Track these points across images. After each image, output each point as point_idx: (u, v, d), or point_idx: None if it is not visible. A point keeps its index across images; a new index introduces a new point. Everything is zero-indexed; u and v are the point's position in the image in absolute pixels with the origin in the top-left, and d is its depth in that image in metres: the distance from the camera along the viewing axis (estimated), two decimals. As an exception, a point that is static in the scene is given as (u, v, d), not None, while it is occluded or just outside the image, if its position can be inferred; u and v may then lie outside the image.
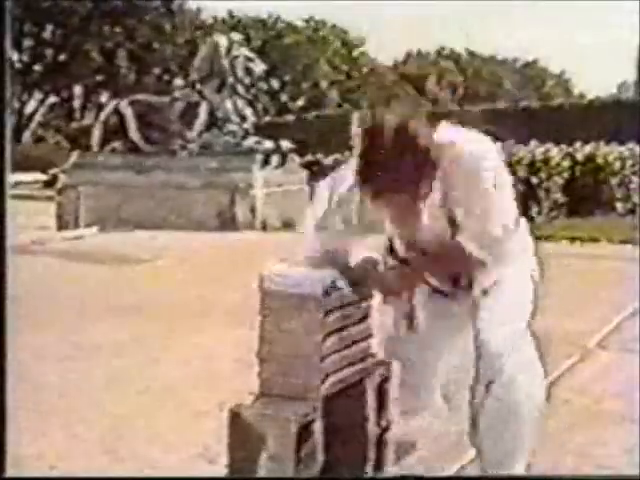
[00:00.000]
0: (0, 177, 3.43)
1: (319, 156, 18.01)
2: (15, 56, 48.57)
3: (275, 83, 53.46)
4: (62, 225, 15.64)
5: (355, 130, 3.38)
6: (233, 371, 6.01)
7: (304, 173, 16.94)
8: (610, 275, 10.00)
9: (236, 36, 18.48)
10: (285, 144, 17.00)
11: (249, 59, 17.43)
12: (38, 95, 54.31)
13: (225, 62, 16.90)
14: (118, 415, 5.17)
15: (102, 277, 10.36)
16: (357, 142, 3.29)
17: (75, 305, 8.35)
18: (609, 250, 12.26)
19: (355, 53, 68.12)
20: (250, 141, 16.68)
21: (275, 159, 16.49)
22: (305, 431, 3.54)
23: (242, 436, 3.60)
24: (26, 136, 51.03)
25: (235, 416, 3.60)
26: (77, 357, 6.48)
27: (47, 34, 54.36)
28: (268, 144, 16.71)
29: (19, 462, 4.16)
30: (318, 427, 3.55)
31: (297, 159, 17.27)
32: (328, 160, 17.76)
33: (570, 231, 13.64)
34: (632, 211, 17.13)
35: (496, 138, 3.77)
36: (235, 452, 3.63)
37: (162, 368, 6.20)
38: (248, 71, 17.20)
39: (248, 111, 17.33)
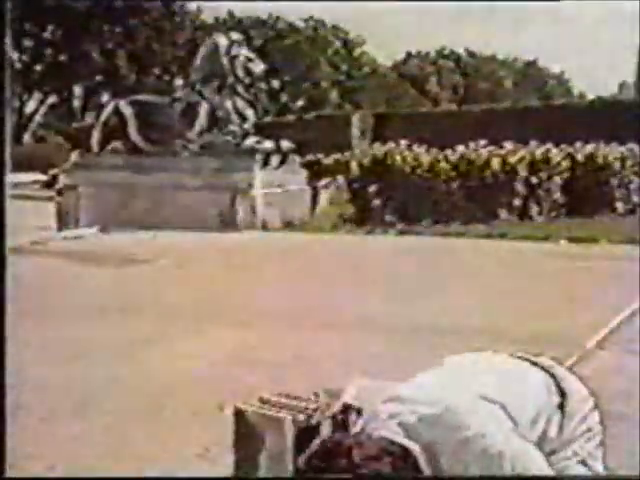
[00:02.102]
0: (0, 176, 3.42)
1: (320, 156, 18.03)
2: (15, 56, 48.61)
3: (275, 83, 53.48)
4: (62, 225, 15.64)
5: None
6: (232, 371, 6.03)
7: (305, 173, 16.95)
8: (610, 275, 10.02)
9: (236, 36, 18.44)
10: (285, 144, 17.01)
11: (249, 59, 17.41)
12: (38, 95, 54.37)
13: (225, 62, 16.89)
14: (118, 414, 5.18)
15: (102, 277, 10.37)
16: None
17: (75, 305, 8.36)
18: (609, 250, 12.27)
19: (356, 53, 68.25)
20: (250, 141, 16.67)
21: (275, 159, 16.48)
22: (308, 434, 3.56)
23: (245, 434, 3.63)
24: (26, 136, 51.08)
25: (239, 414, 3.64)
26: (77, 356, 6.49)
27: (47, 34, 54.42)
28: (268, 144, 16.71)
29: (19, 462, 4.16)
30: (327, 430, 3.56)
31: (298, 159, 17.27)
32: (328, 160, 17.78)
33: (570, 231, 13.66)
34: (632, 211, 17.14)
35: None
36: (239, 449, 3.67)
37: (162, 367, 6.21)
38: (248, 71, 17.19)
39: (248, 111, 17.32)
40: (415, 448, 2.92)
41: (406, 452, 2.91)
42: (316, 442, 3.02)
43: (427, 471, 2.91)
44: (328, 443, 2.96)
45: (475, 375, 3.22)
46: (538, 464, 2.97)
